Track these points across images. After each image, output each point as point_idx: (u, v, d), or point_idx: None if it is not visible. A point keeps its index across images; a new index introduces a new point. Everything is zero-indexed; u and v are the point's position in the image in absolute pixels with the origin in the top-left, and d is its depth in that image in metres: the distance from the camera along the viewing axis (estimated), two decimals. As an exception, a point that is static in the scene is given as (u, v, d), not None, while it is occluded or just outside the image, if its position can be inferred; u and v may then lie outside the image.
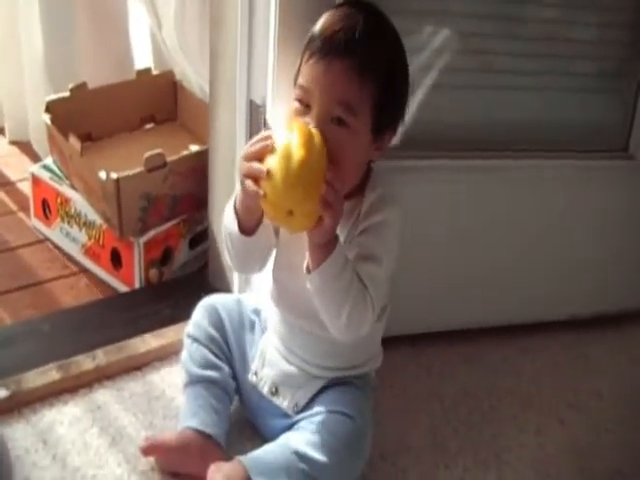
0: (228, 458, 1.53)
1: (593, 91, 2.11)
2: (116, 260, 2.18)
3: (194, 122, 2.49)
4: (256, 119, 1.83)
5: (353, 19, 1.41)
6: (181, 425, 1.61)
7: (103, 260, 2.21)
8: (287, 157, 1.33)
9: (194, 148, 2.23)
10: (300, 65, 1.45)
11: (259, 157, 1.37)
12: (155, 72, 2.57)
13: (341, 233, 1.47)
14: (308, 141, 1.34)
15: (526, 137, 2.01)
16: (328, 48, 1.39)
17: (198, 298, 1.76)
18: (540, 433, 1.83)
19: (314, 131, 1.37)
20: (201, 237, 2.26)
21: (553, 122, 2.04)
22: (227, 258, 1.61)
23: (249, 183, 1.37)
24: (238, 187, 1.44)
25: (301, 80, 1.43)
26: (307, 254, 1.42)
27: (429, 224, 1.90)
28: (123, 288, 2.18)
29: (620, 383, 2.04)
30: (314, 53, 1.40)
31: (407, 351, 1.99)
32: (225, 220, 1.54)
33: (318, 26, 1.43)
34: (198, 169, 2.17)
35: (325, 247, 1.39)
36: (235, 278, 2.02)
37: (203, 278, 2.19)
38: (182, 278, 2.24)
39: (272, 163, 1.34)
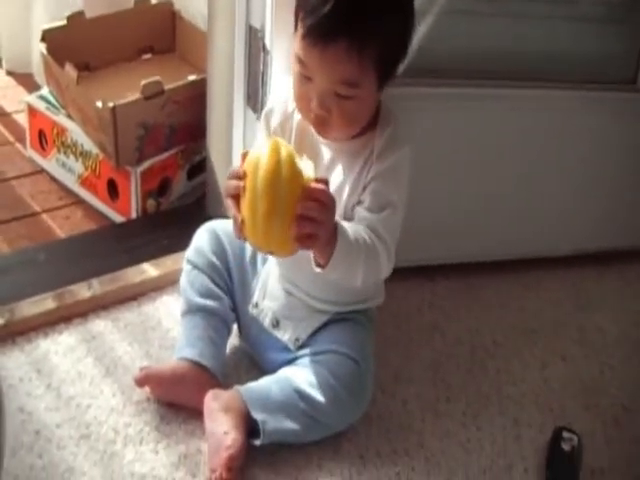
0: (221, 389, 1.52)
1: (601, 21, 2.06)
2: (113, 190, 2.15)
3: (193, 53, 2.43)
4: (255, 44, 1.79)
5: None
6: (177, 355, 1.58)
7: (99, 190, 2.18)
8: (252, 209, 1.29)
9: (193, 77, 2.19)
10: (295, 26, 1.40)
11: (240, 176, 1.33)
12: (153, 1, 2.52)
13: (350, 173, 1.46)
14: (271, 180, 1.28)
15: (532, 67, 1.97)
16: (321, 32, 1.33)
17: (196, 228, 1.72)
18: (544, 369, 1.82)
19: (283, 155, 1.29)
20: (199, 168, 2.22)
21: (560, 52, 1.99)
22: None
23: (228, 202, 1.38)
24: None
25: (299, 51, 1.38)
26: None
27: (432, 153, 1.85)
28: (120, 219, 2.15)
29: (623, 319, 2.02)
30: (309, 35, 1.34)
31: (409, 283, 1.97)
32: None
33: None
34: (196, 98, 2.12)
35: (326, 247, 1.36)
36: None
37: (201, 208, 2.16)
38: (180, 208, 2.21)
39: (243, 210, 1.32)
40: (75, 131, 2.20)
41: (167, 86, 2.10)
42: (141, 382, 1.55)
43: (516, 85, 1.95)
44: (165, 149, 2.15)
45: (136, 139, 2.07)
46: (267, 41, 1.73)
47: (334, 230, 1.34)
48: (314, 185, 1.30)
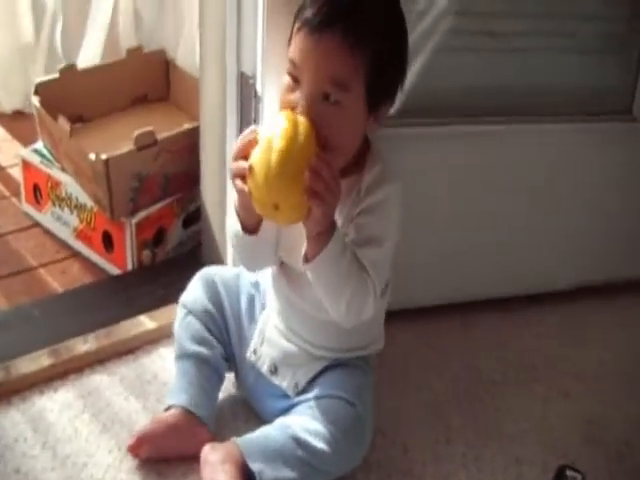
0: (217, 440, 1.49)
1: (595, 52, 2.05)
2: (108, 243, 2.12)
3: (187, 100, 2.42)
4: (247, 91, 1.77)
5: None
6: (168, 400, 1.57)
7: (95, 243, 2.16)
8: (267, 150, 1.27)
9: (187, 125, 2.18)
10: (291, 36, 1.39)
11: (245, 154, 1.32)
12: (146, 50, 2.52)
13: (340, 213, 1.42)
14: (290, 131, 1.28)
15: (528, 101, 1.96)
16: (317, 20, 1.31)
17: (192, 277, 1.70)
18: (545, 405, 1.79)
19: (300, 119, 1.31)
20: (195, 216, 2.20)
21: (555, 85, 1.99)
22: (234, 255, 1.61)
23: (237, 182, 1.34)
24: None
25: (291, 53, 1.36)
26: (304, 244, 1.38)
27: (427, 194, 1.85)
28: (116, 271, 2.13)
29: (623, 352, 2.00)
30: (303, 25, 1.33)
31: (406, 325, 1.93)
32: (229, 221, 1.50)
33: None
34: (190, 146, 2.11)
35: (321, 236, 1.34)
36: (229, 258, 1.96)
37: (197, 258, 2.13)
38: (175, 258, 2.19)
39: (254, 158, 1.29)
40: (69, 184, 2.19)
41: (160, 136, 2.08)
42: (136, 447, 1.52)
43: (510, 120, 1.94)
44: (160, 199, 2.14)
45: (130, 190, 2.06)
46: (258, 87, 1.72)
47: (333, 222, 1.34)
48: (325, 153, 1.31)
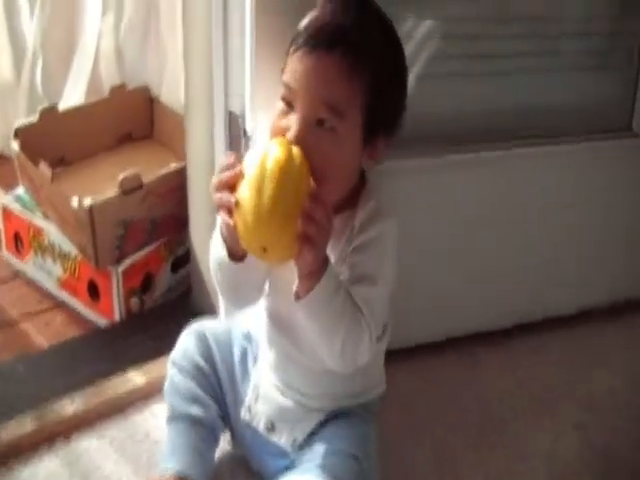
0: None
1: (590, 70, 2.02)
2: (94, 292, 2.04)
3: (172, 138, 2.35)
4: (235, 131, 1.69)
5: (343, 12, 1.28)
6: (162, 464, 1.47)
7: (80, 293, 2.07)
8: (257, 188, 1.18)
9: (173, 165, 2.10)
10: (286, 61, 1.31)
11: (231, 185, 1.23)
12: (129, 88, 2.45)
13: (333, 251, 1.33)
14: (284, 166, 1.19)
15: (524, 124, 1.91)
16: (314, 43, 1.25)
17: (182, 325, 1.62)
18: (555, 440, 1.73)
19: (294, 150, 1.22)
20: (184, 259, 2.12)
21: (551, 106, 1.94)
22: (216, 286, 1.44)
23: (223, 215, 1.24)
24: None
25: (285, 77, 1.29)
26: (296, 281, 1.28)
27: (423, 228, 1.79)
28: (102, 321, 2.04)
29: (630, 376, 1.94)
30: (299, 47, 1.26)
31: (407, 364, 1.86)
32: (213, 250, 1.38)
33: (307, 19, 1.30)
34: (177, 188, 2.03)
35: (313, 274, 1.25)
36: (221, 303, 1.87)
37: (187, 304, 2.07)
38: (164, 306, 2.10)
39: (242, 194, 1.20)
40: (52, 232, 2.10)
41: (146, 178, 2.00)
42: None
43: (506, 146, 1.89)
44: (147, 243, 2.05)
45: (116, 238, 1.97)
46: (248, 127, 1.63)
47: (325, 258, 1.25)
48: (319, 190, 1.22)
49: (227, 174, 1.24)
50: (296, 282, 1.27)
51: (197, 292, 2.04)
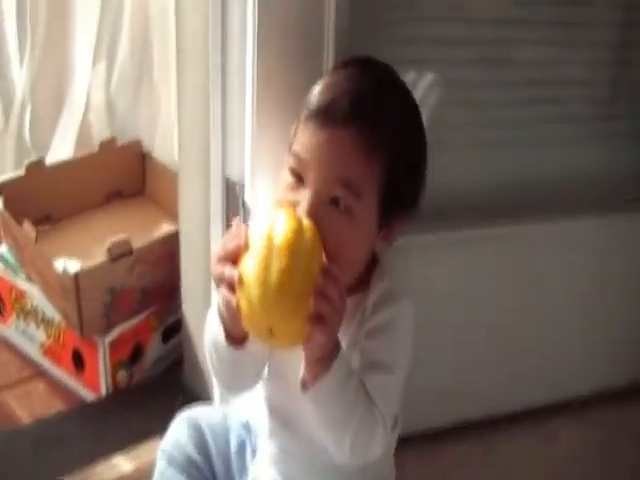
0: None
1: (604, 137, 1.94)
2: (79, 362, 1.93)
3: (164, 195, 2.27)
4: (233, 199, 1.59)
5: (362, 81, 1.19)
6: None
7: (64, 362, 1.96)
8: (264, 262, 1.06)
9: (165, 228, 2.03)
10: (296, 129, 1.21)
11: (233, 257, 1.11)
12: (120, 143, 2.34)
13: (344, 336, 1.20)
14: (294, 238, 1.07)
15: (537, 197, 1.83)
16: (331, 114, 1.14)
17: (173, 404, 1.52)
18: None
19: (305, 222, 1.10)
20: (175, 329, 2.02)
21: (563, 177, 1.86)
22: (210, 368, 1.30)
23: (223, 290, 1.11)
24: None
25: (296, 147, 1.18)
26: (302, 365, 1.15)
27: (431, 309, 1.66)
28: (87, 394, 1.93)
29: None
30: (313, 117, 1.16)
31: (418, 452, 1.74)
32: (208, 328, 1.25)
33: (320, 86, 1.20)
34: (169, 255, 1.95)
35: (323, 360, 1.13)
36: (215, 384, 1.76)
37: (178, 376, 1.97)
38: (154, 379, 2.00)
39: (246, 269, 1.07)
40: (36, 296, 2.00)
41: (136, 243, 1.91)
42: None
43: (519, 221, 1.79)
44: (136, 312, 1.95)
45: (103, 306, 1.87)
46: (247, 197, 1.52)
47: (337, 342, 1.13)
48: (332, 266, 1.10)
49: (231, 245, 1.12)
50: (303, 368, 1.15)
51: (189, 363, 1.94)
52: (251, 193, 1.51)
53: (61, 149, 2.45)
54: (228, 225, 1.63)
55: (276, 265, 1.05)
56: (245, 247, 1.09)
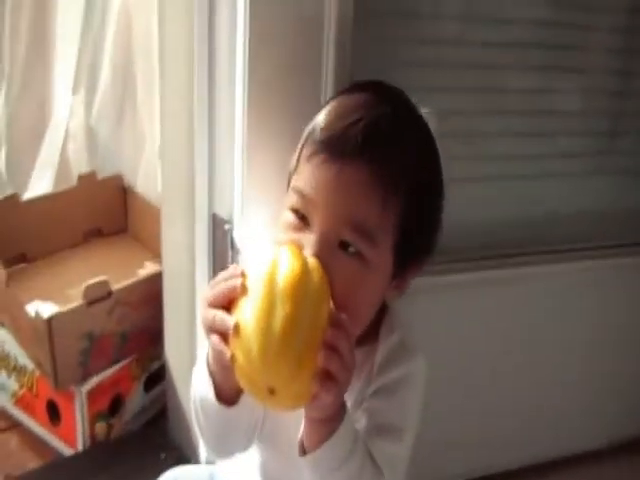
0: None
1: (613, 173, 1.86)
2: (54, 413, 1.82)
3: (148, 233, 2.13)
4: (221, 237, 1.46)
5: (375, 109, 1.04)
6: None
7: (38, 413, 1.85)
8: (267, 310, 0.91)
9: (149, 268, 1.92)
10: (297, 162, 1.08)
11: (226, 302, 0.96)
12: (100, 177, 2.23)
13: (349, 394, 1.06)
14: (301, 283, 0.93)
15: (541, 236, 1.75)
16: (341, 147, 1.01)
17: (156, 459, 1.47)
18: None
19: (311, 263, 0.97)
20: (158, 376, 1.92)
21: (569, 215, 1.79)
22: (196, 429, 1.17)
23: (214, 340, 0.96)
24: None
25: (298, 182, 1.04)
26: (302, 426, 1.01)
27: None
28: (63, 448, 1.82)
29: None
30: (320, 150, 1.02)
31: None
32: (196, 385, 1.11)
33: (327, 113, 1.07)
34: (151, 297, 1.83)
35: (327, 422, 0.99)
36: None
37: (162, 430, 1.85)
38: (136, 433, 1.87)
39: (243, 315, 0.93)
40: (7, 341, 1.88)
41: (116, 284, 1.79)
42: None
43: (524, 262, 1.70)
44: (116, 360, 1.84)
45: (79, 353, 1.74)
46: (236, 235, 1.40)
47: (343, 403, 1.00)
48: (342, 315, 0.96)
49: (224, 287, 0.97)
50: (302, 430, 1.01)
51: (173, 413, 1.83)
52: (240, 231, 1.40)
53: (40, 185, 2.33)
54: (215, 265, 1.50)
55: (280, 311, 0.91)
56: (242, 290, 0.94)
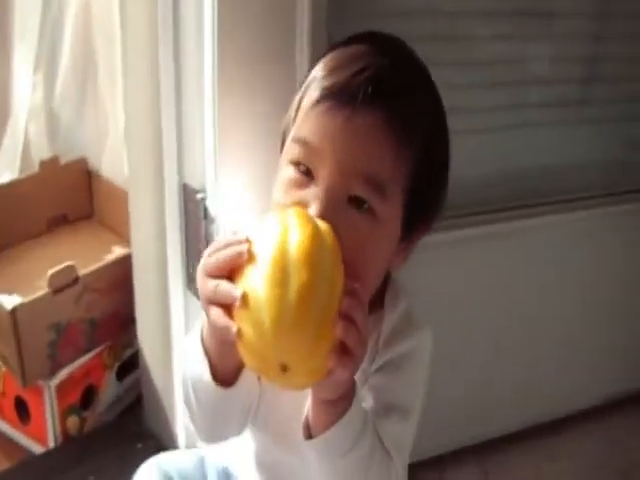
0: None
1: (613, 121, 1.85)
2: (22, 411, 1.75)
3: (115, 218, 2.07)
4: (193, 210, 1.38)
5: (378, 57, 0.96)
6: None
7: (6, 411, 1.78)
8: (280, 279, 0.82)
9: (117, 252, 1.85)
10: (296, 113, 1.00)
11: (228, 271, 0.86)
12: (63, 162, 2.14)
13: None
14: (315, 249, 0.84)
15: (540, 187, 1.75)
16: (349, 92, 0.92)
17: (133, 452, 1.42)
18: None
19: (323, 227, 0.87)
20: (131, 364, 1.86)
21: (567, 165, 1.79)
22: (186, 411, 1.08)
23: (216, 313, 0.86)
24: (204, 315, 0.92)
25: (302, 132, 0.95)
26: (307, 405, 0.93)
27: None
28: (33, 446, 1.75)
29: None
30: (325, 97, 0.93)
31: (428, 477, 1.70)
32: (188, 365, 1.02)
33: (327, 63, 0.98)
34: (121, 281, 1.76)
35: (337, 402, 0.91)
36: (178, 415, 1.59)
37: (137, 420, 1.79)
38: (111, 424, 1.81)
39: (252, 285, 0.83)
40: (-30, 337, 1.80)
41: (83, 270, 1.71)
42: None
43: (522, 215, 1.71)
44: (86, 349, 1.77)
45: (47, 345, 1.67)
46: (210, 205, 1.31)
47: (354, 382, 0.93)
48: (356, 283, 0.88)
49: (228, 253, 0.87)
50: (309, 410, 0.93)
51: (149, 402, 1.77)
52: (215, 199, 1.31)
53: (4, 174, 2.24)
54: (188, 240, 1.41)
55: (295, 279, 0.82)
56: (251, 258, 0.85)
